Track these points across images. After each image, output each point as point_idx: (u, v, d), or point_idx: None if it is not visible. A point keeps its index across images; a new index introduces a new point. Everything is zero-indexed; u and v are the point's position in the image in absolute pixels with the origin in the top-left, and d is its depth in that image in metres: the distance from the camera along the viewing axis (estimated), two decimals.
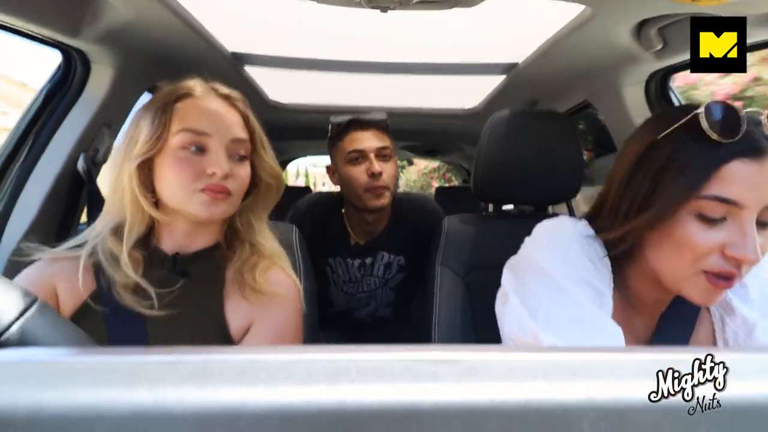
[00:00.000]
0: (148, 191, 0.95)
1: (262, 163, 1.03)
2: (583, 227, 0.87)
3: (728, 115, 0.73)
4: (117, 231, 0.97)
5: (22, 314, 0.59)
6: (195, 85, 1.00)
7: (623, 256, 0.83)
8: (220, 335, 0.95)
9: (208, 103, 0.97)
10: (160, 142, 0.94)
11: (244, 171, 0.99)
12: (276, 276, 1.02)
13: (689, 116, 0.75)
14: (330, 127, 1.72)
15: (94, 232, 0.98)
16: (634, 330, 0.86)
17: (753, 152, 0.71)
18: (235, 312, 0.97)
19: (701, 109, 0.73)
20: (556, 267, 0.80)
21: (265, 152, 1.03)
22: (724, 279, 0.73)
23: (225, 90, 1.02)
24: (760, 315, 0.81)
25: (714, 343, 0.84)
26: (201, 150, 0.94)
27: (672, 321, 0.86)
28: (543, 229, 0.89)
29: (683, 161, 0.74)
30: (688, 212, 0.74)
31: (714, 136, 0.72)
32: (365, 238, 1.80)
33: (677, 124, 0.76)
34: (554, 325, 0.76)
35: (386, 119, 1.71)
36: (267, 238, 1.06)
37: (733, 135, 0.71)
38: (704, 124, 0.73)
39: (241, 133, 0.98)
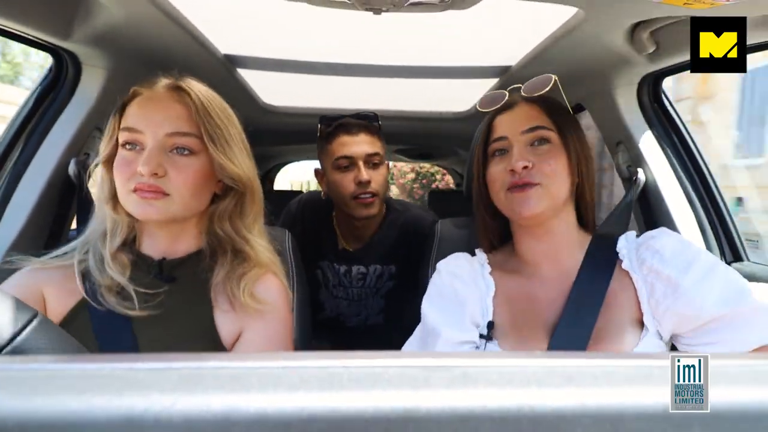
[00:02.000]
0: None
1: (218, 163, 0.94)
2: (468, 255, 1.18)
3: (494, 96, 1.13)
4: (107, 235, 0.98)
5: (23, 329, 0.59)
6: (152, 82, 0.98)
7: (507, 240, 1.17)
8: (210, 340, 0.94)
9: (148, 99, 0.94)
10: (111, 144, 0.95)
11: (188, 168, 0.92)
12: (266, 284, 1.00)
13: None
14: (319, 127, 1.68)
15: (83, 237, 0.98)
16: (538, 304, 1.04)
17: (506, 107, 1.12)
18: (224, 318, 0.96)
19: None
20: (427, 310, 1.08)
21: (220, 149, 0.94)
22: (520, 188, 1.02)
23: (179, 83, 0.97)
24: (678, 271, 0.95)
25: (638, 308, 0.97)
26: (138, 148, 0.91)
27: (582, 283, 1.01)
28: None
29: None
30: (489, 160, 1.10)
31: (482, 109, 1.16)
32: (354, 244, 1.77)
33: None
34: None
35: (377, 121, 1.67)
36: (256, 247, 1.02)
37: (494, 105, 1.13)
38: (478, 106, 1.16)
39: (181, 126, 0.92)
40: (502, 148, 1.07)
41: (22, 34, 1.20)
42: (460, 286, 1.08)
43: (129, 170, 0.90)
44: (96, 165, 0.99)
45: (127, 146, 0.92)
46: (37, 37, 1.23)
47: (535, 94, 1.09)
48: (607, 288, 0.99)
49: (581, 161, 1.06)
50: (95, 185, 1.01)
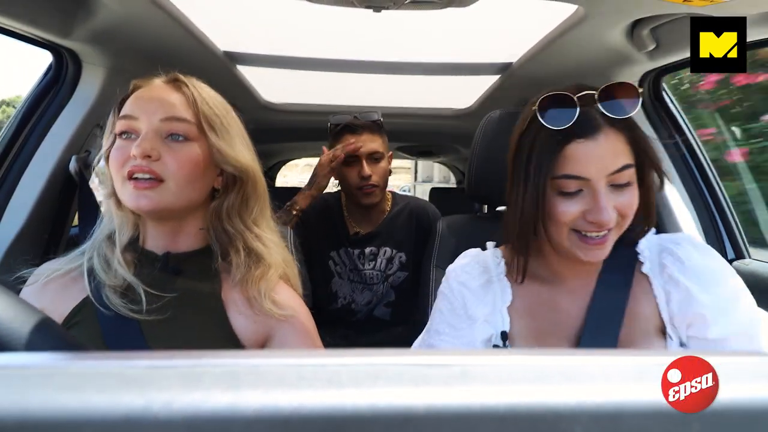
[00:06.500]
0: None
1: (217, 149, 0.93)
2: (480, 254, 1.06)
3: (561, 103, 0.84)
4: (111, 236, 0.97)
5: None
6: (151, 77, 0.98)
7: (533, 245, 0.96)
8: (226, 337, 0.93)
9: (145, 89, 0.95)
10: (110, 138, 0.94)
11: (183, 154, 0.91)
12: (282, 289, 1.00)
13: (532, 109, 0.87)
14: (329, 126, 1.85)
15: (92, 238, 0.98)
16: (562, 314, 0.96)
17: (587, 132, 0.83)
18: (243, 320, 0.95)
19: (536, 103, 0.85)
20: (438, 323, 1.02)
21: (220, 137, 0.94)
22: (595, 238, 0.86)
23: (174, 75, 0.98)
24: (698, 287, 0.89)
25: (660, 317, 0.91)
26: (133, 137, 0.91)
27: (603, 291, 0.95)
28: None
29: (538, 149, 0.86)
30: (551, 190, 0.86)
31: (548, 125, 0.84)
32: (365, 228, 1.93)
33: (528, 119, 0.89)
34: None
35: (379, 119, 1.84)
36: (268, 244, 1.01)
37: (566, 122, 0.83)
38: (539, 118, 0.85)
39: (177, 112, 0.92)
40: (577, 189, 0.85)
41: (23, 33, 1.20)
42: (470, 298, 0.99)
43: (122, 156, 0.89)
44: (99, 160, 0.99)
45: (123, 136, 0.91)
46: (37, 36, 1.23)
47: (622, 117, 0.84)
48: (628, 295, 0.93)
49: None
50: (95, 183, 1.01)
